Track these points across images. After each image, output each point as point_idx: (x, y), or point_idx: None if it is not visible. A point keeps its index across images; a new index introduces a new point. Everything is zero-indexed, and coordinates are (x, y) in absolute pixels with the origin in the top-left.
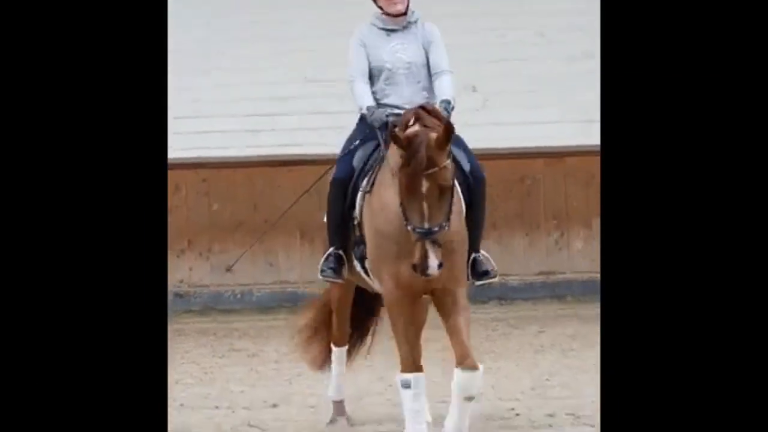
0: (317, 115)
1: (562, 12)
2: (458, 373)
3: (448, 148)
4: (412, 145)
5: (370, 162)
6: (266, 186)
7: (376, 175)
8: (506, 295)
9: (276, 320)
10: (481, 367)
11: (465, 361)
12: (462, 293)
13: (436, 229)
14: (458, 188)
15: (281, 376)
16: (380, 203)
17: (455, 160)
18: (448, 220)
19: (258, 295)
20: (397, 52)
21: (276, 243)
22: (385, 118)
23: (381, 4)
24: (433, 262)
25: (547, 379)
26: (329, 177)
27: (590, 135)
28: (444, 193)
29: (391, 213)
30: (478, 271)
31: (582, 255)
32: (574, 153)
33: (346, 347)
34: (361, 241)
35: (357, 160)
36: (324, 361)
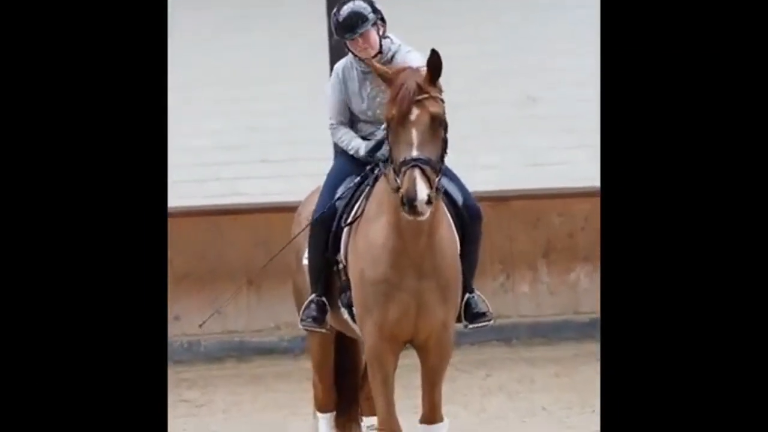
0: (263, 164)
1: (503, 54)
2: (423, 428)
3: (437, 83)
4: (400, 75)
5: (354, 197)
6: (213, 235)
7: (361, 209)
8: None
9: (223, 370)
10: (446, 420)
11: (431, 417)
12: (449, 336)
13: (426, 157)
14: (451, 222)
15: (229, 428)
16: (366, 242)
17: (445, 192)
18: (442, 161)
19: (206, 345)
20: (377, 97)
21: (223, 291)
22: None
23: (351, 48)
24: (422, 190)
25: (495, 423)
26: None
27: (535, 178)
28: (435, 124)
29: (377, 253)
30: (471, 313)
31: (528, 298)
32: (518, 196)
33: (334, 413)
34: (348, 286)
35: (339, 196)
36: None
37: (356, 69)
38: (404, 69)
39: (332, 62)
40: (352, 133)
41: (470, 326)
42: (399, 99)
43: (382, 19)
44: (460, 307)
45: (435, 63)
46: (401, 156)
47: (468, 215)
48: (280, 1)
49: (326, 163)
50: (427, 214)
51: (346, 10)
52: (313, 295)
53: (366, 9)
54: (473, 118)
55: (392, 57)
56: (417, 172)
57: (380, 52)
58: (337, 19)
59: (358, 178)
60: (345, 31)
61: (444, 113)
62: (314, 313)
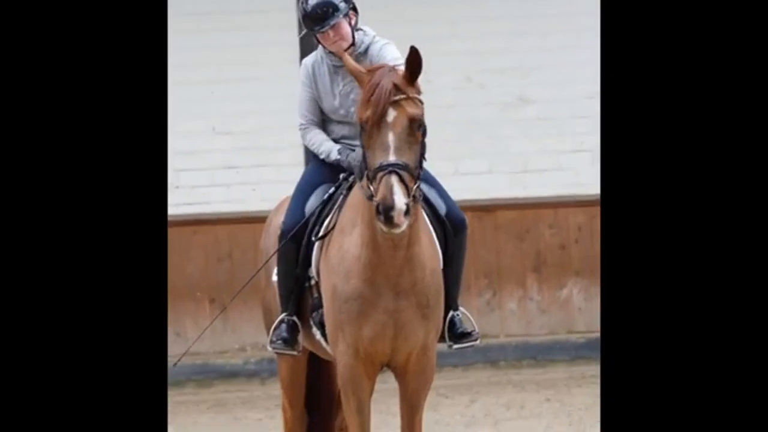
0: (227, 170)
1: (491, 52)
2: None
3: (416, 84)
4: (374, 74)
5: (327, 208)
6: (171, 248)
7: (334, 221)
8: None
9: (183, 395)
10: None
11: None
12: (430, 359)
13: (403, 162)
14: (432, 234)
15: None
16: (339, 256)
17: (426, 200)
18: (420, 167)
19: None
20: (350, 93)
21: (183, 311)
22: (357, 155)
23: (321, 41)
24: (400, 199)
25: None
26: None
27: (524, 186)
28: (413, 126)
29: (351, 267)
30: (456, 333)
31: (516, 316)
32: (506, 206)
33: None
34: (320, 304)
35: (310, 207)
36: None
37: (327, 64)
38: (379, 67)
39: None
40: (323, 135)
41: (455, 347)
42: (374, 99)
43: (354, 9)
44: (443, 326)
45: (414, 61)
46: (376, 161)
47: (451, 226)
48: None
49: (297, 169)
50: (405, 226)
51: None
52: (284, 315)
53: (342, 5)
54: (457, 121)
55: (366, 50)
56: (394, 179)
57: (353, 44)
58: (305, 9)
59: (332, 187)
60: (314, 23)
61: (423, 115)
62: (285, 334)
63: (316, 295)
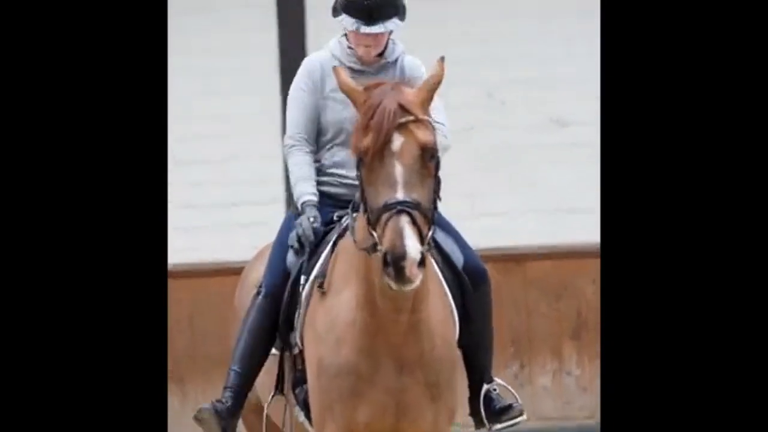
0: (188, 210)
1: (516, 60)
2: None
3: (428, 105)
4: (374, 91)
5: (314, 258)
6: None
7: (321, 275)
8: None
9: None
10: None
11: None
12: None
13: (414, 200)
14: (446, 292)
15: None
16: (327, 319)
17: (439, 248)
18: (434, 207)
19: None
20: None
21: None
22: (311, 232)
23: (351, 41)
24: (413, 245)
25: None
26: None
27: (560, 231)
28: (425, 157)
29: (343, 334)
30: (495, 410)
31: (551, 395)
32: (537, 255)
33: None
34: (304, 379)
35: (291, 263)
36: None
37: (344, 65)
38: (379, 83)
39: (284, 74)
40: (307, 167)
41: (496, 428)
42: (375, 123)
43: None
44: (479, 406)
45: (440, 76)
46: (380, 199)
47: (470, 278)
48: (223, 12)
49: (277, 208)
50: (418, 281)
51: None
52: (232, 380)
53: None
54: (476, 148)
55: (396, 61)
56: (404, 221)
57: (382, 53)
58: None
59: (321, 229)
60: (363, 17)
61: (436, 142)
62: (227, 403)
63: (299, 367)
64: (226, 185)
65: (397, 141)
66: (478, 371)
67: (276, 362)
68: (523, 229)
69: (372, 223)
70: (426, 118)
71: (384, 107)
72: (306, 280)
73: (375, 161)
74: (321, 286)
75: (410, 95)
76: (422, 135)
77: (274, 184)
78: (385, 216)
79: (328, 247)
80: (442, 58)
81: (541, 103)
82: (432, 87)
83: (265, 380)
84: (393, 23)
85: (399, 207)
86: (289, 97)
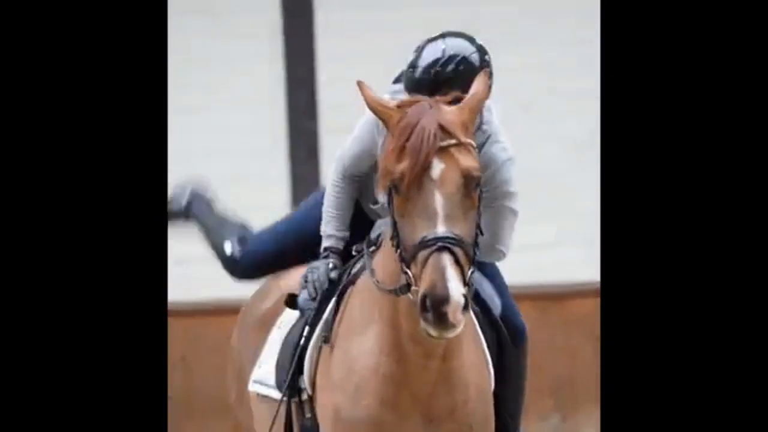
0: (175, 242)
1: (554, 65)
2: None
3: (470, 126)
4: (410, 110)
5: (326, 303)
6: None
7: (340, 318)
8: None
9: None
10: None
11: None
12: None
13: (457, 236)
14: (482, 340)
15: None
16: (345, 364)
17: (478, 298)
18: (476, 243)
19: None
20: None
21: None
22: (325, 279)
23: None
24: (456, 287)
25: None
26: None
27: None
28: (470, 186)
29: (363, 382)
30: None
31: None
32: (581, 292)
33: None
34: (314, 428)
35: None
36: None
37: None
38: (415, 100)
39: (290, 86)
40: (346, 206)
41: None
42: (412, 146)
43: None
44: None
45: (481, 94)
46: (417, 234)
47: (508, 331)
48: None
49: None
50: (461, 328)
51: (452, 54)
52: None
53: (471, 68)
54: None
55: (482, 145)
56: (447, 259)
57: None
58: (435, 66)
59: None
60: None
61: (480, 170)
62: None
63: (309, 415)
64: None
65: (438, 167)
66: (504, 428)
67: (282, 408)
68: (564, 261)
69: (406, 260)
70: (469, 141)
71: (423, 128)
72: (314, 327)
73: (412, 189)
74: (327, 340)
75: (451, 115)
76: (465, 160)
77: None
78: (423, 253)
79: (334, 300)
80: (486, 71)
81: (583, 115)
82: (475, 106)
83: (269, 428)
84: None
85: (440, 243)
86: (349, 140)
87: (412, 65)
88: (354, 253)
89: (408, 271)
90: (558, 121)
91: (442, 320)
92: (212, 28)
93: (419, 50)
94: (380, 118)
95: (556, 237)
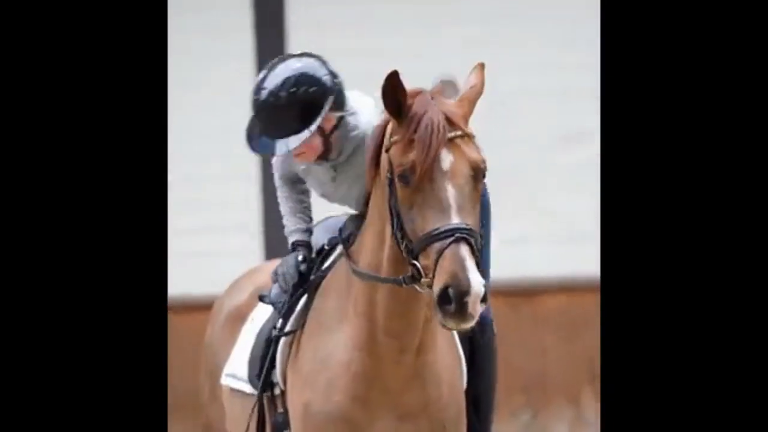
0: None
1: (527, 65)
2: None
3: (469, 119)
4: (416, 102)
5: (297, 294)
6: None
7: (312, 313)
8: None
9: None
10: None
11: None
12: None
13: (470, 227)
14: (457, 339)
15: None
16: (315, 359)
17: None
18: (481, 236)
19: None
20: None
21: None
22: (294, 272)
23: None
24: (476, 278)
25: None
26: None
27: (576, 261)
28: (477, 178)
29: (334, 377)
30: None
31: None
32: (551, 289)
33: None
34: (285, 424)
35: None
36: None
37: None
38: (419, 92)
39: (260, 55)
40: (296, 201)
41: None
42: (421, 136)
43: (338, 100)
44: None
45: (478, 87)
46: (428, 225)
47: (477, 326)
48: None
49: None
50: (476, 320)
51: (288, 90)
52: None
53: (322, 91)
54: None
55: (354, 151)
56: (466, 250)
57: (327, 150)
58: (257, 100)
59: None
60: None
61: (485, 161)
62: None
63: (280, 410)
64: (198, 203)
65: (447, 159)
66: (477, 425)
67: (255, 404)
68: (534, 259)
69: (414, 252)
70: (472, 133)
71: (430, 119)
72: (285, 322)
73: (424, 181)
74: (294, 334)
75: (454, 107)
76: (471, 152)
77: (248, 209)
78: (437, 245)
79: (305, 294)
80: (482, 65)
81: (555, 115)
82: (473, 99)
83: (246, 427)
84: (296, 139)
85: (458, 234)
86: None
87: (258, 87)
88: (326, 247)
89: (416, 263)
90: (525, 120)
91: (462, 311)
92: (212, 28)
93: (268, 69)
94: (390, 112)
95: (525, 235)
